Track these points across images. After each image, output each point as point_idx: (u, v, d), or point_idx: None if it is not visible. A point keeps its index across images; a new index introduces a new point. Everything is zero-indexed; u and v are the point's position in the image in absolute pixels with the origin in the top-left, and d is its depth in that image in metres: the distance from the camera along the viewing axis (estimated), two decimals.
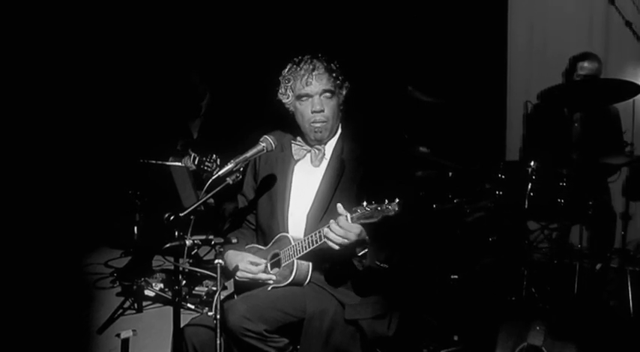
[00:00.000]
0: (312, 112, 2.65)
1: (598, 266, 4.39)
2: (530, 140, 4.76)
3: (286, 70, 2.71)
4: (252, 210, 2.86)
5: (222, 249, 2.37)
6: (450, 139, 5.13)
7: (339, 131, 2.77)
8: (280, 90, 2.70)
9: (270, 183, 2.77)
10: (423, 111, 4.67)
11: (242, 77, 6.22)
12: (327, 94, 2.64)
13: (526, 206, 4.01)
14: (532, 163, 4.06)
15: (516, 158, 5.02)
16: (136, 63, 6.40)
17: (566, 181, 3.98)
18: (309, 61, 2.65)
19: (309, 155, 2.75)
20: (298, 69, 2.65)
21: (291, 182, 2.74)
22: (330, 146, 2.74)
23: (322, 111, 2.64)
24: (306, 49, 2.76)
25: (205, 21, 6.58)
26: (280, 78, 2.72)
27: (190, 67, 5.90)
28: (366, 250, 2.45)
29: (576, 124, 4.35)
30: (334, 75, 2.65)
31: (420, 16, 6.12)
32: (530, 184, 4.02)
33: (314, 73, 2.62)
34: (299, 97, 2.66)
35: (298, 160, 2.77)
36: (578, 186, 3.97)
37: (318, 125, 2.66)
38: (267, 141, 2.61)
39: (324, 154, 2.73)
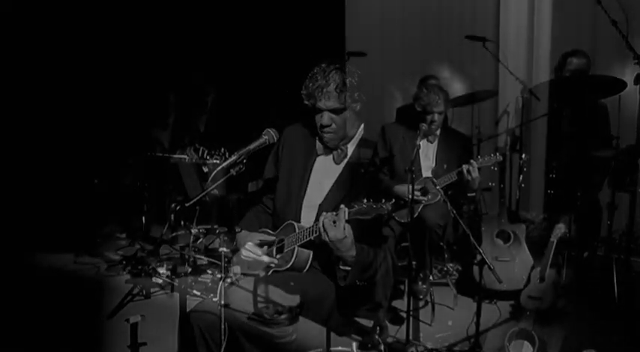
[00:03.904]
0: (320, 126, 2.63)
1: (585, 254, 4.38)
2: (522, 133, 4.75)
3: (309, 75, 2.65)
4: (270, 195, 2.85)
5: (226, 239, 2.35)
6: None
7: (361, 131, 2.76)
8: (303, 95, 2.65)
9: (290, 172, 2.77)
10: None
11: (245, 74, 6.19)
12: (337, 110, 2.60)
13: (517, 196, 4.01)
14: (523, 156, 4.04)
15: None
16: (146, 62, 6.36)
17: (556, 173, 3.97)
18: (326, 73, 2.59)
19: (331, 154, 2.74)
20: (314, 80, 2.60)
21: (309, 174, 2.74)
22: (353, 146, 2.74)
23: (329, 125, 2.61)
24: (306, 46, 2.71)
25: (210, 20, 6.54)
26: (305, 84, 2.66)
27: (196, 66, 5.88)
28: (350, 268, 2.44)
29: (565, 119, 4.33)
30: (347, 92, 2.58)
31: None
32: (521, 176, 4.02)
33: (324, 90, 2.56)
34: (313, 107, 2.63)
35: (320, 155, 2.76)
36: (567, 178, 3.96)
37: (326, 136, 2.65)
38: (269, 134, 2.60)
39: (346, 154, 2.72)
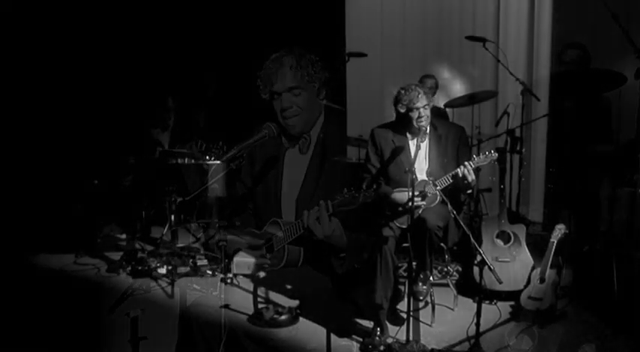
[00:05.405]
0: (281, 110, 2.60)
1: (585, 248, 4.36)
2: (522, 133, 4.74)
3: (262, 67, 2.65)
4: (250, 195, 2.83)
5: (225, 233, 2.34)
6: None
7: (322, 116, 2.72)
8: (259, 88, 2.65)
9: (264, 170, 2.75)
10: None
11: (245, 72, 6.18)
12: (295, 91, 2.58)
13: (518, 191, 3.98)
14: (523, 150, 4.02)
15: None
16: (145, 61, 6.36)
17: (556, 167, 3.95)
18: (278, 58, 2.60)
19: (297, 145, 2.72)
20: (268, 67, 2.60)
21: (282, 169, 2.73)
22: (315, 132, 2.70)
23: (290, 107, 2.59)
24: (306, 45, 2.71)
25: (210, 19, 6.55)
26: (258, 75, 2.66)
27: (197, 64, 5.88)
28: (344, 254, 2.43)
29: (566, 113, 4.31)
30: (302, 71, 2.57)
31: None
32: (521, 170, 4.00)
33: (278, 72, 2.56)
34: (271, 94, 2.62)
35: (288, 148, 2.74)
36: (567, 173, 3.95)
37: (289, 121, 2.62)
38: (269, 128, 2.58)
39: (310, 141, 2.70)
